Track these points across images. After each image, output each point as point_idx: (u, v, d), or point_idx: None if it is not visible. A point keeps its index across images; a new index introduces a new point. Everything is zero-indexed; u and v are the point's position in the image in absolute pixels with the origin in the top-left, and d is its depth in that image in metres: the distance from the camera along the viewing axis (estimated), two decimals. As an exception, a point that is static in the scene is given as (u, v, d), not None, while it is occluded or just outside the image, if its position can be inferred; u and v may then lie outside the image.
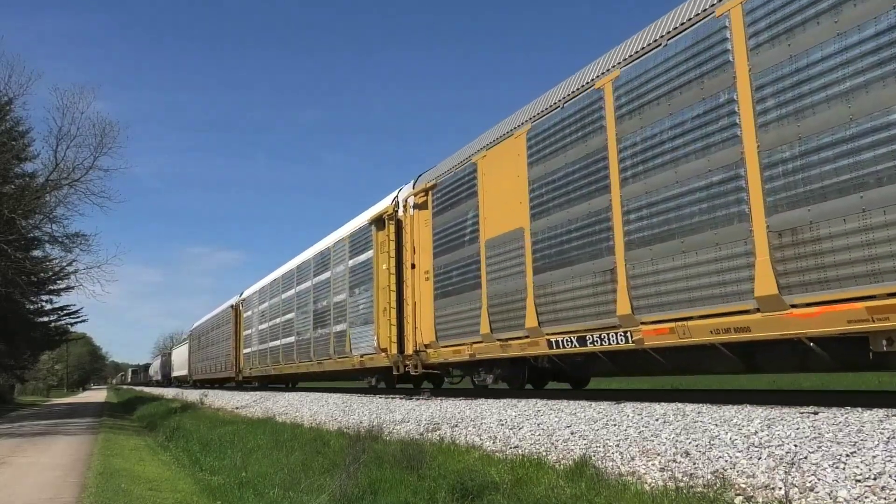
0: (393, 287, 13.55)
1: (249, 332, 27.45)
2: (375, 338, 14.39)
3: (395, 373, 13.88)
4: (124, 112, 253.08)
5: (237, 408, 19.74)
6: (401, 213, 13.91)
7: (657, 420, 6.41)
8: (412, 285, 13.07)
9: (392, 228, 13.94)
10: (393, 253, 13.74)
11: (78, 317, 38.37)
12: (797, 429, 5.14)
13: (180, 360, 54.79)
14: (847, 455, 4.43)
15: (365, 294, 15.42)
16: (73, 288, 27.36)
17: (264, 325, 24.84)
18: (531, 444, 7.05)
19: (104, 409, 31.00)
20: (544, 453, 6.65)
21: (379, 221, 14.63)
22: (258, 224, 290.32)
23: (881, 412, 5.29)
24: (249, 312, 27.68)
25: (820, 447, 4.67)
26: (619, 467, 5.68)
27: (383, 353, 14.02)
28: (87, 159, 22.94)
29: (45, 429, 18.27)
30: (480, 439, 7.88)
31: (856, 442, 4.60)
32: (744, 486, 4.63)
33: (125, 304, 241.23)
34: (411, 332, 12.95)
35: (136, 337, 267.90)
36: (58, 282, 30.53)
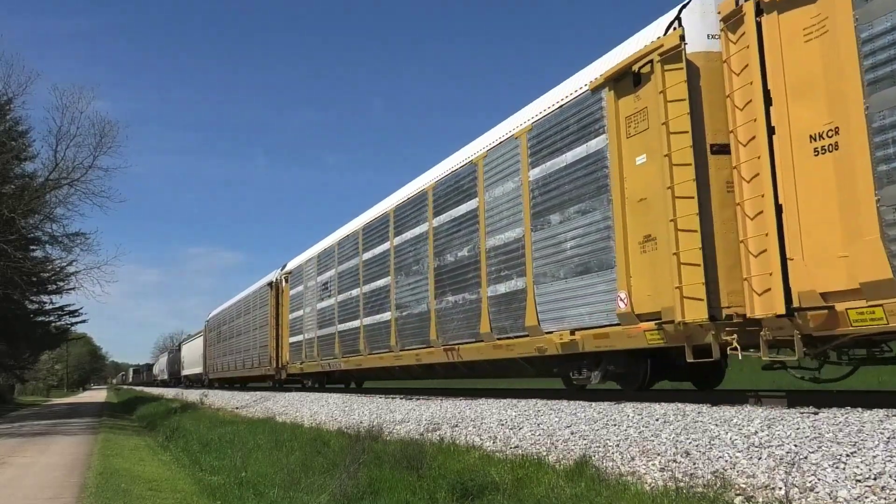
0: (682, 190, 7.25)
1: (300, 314, 20.55)
2: (623, 295, 8.00)
3: (691, 359, 7.32)
4: (124, 112, 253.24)
5: (237, 408, 19.75)
6: (698, 40, 7.51)
7: (657, 420, 6.41)
8: (762, 176, 6.63)
9: (674, 78, 7.41)
10: (683, 125, 7.31)
11: (78, 316, 38.36)
12: (797, 429, 5.15)
13: (193, 356, 46.94)
14: (847, 455, 4.43)
15: (581, 221, 8.81)
16: (73, 288, 27.37)
17: (327, 302, 17.94)
18: (531, 444, 7.05)
19: (104, 409, 31.01)
20: (544, 453, 6.65)
21: (624, 78, 8.18)
22: (258, 224, 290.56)
23: (881, 412, 5.29)
24: (300, 288, 20.76)
25: (820, 447, 4.67)
26: (619, 467, 5.68)
27: (648, 324, 7.73)
28: (86, 159, 23.01)
29: (45, 429, 18.28)
30: (480, 439, 7.88)
31: (856, 442, 4.60)
32: (744, 486, 4.63)
33: (125, 304, 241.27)
34: (763, 266, 6.58)
35: (136, 337, 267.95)
36: (58, 282, 30.55)
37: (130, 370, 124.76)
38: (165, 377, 66.26)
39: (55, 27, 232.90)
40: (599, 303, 8.51)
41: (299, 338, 20.49)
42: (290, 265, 22.45)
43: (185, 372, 51.71)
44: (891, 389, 10.49)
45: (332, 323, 17.60)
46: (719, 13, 7.42)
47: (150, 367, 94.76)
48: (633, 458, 5.72)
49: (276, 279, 23.62)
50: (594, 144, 8.66)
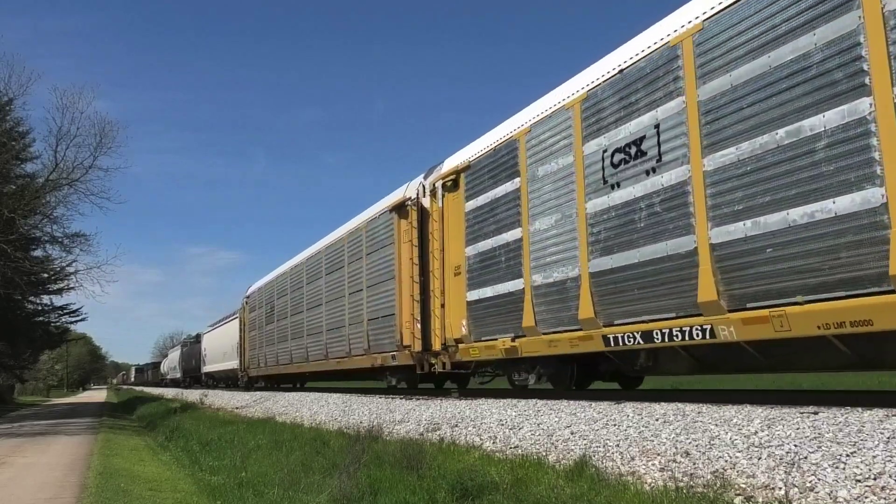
0: None
1: (508, 238, 10.16)
2: None
3: None
4: (124, 112, 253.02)
5: (237, 408, 19.74)
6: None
7: (657, 420, 6.41)
8: None
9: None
10: None
11: (78, 316, 38.35)
12: (797, 429, 5.14)
13: (220, 347, 36.37)
14: (847, 455, 4.43)
15: None
16: (73, 288, 27.37)
17: (645, 184, 7.80)
18: (531, 444, 7.05)
19: (104, 409, 31.02)
20: (544, 453, 6.65)
21: None
22: (258, 224, 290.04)
23: (881, 412, 5.29)
24: (510, 185, 10.19)
25: (820, 447, 4.67)
26: (619, 467, 5.68)
27: None
28: (86, 159, 23.05)
29: (45, 429, 18.28)
30: (480, 439, 7.88)
31: (856, 442, 4.60)
32: (744, 486, 4.63)
33: (125, 304, 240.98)
34: None
35: (136, 337, 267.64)
36: (58, 282, 30.56)
37: (133, 369, 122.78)
38: (177, 375, 55.66)
39: (55, 27, 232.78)
40: None
41: (502, 288, 10.16)
42: (464, 155, 11.55)
43: (207, 368, 41.10)
44: (891, 389, 10.50)
45: (674, 229, 7.45)
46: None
47: (155, 365, 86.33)
48: (633, 458, 5.72)
49: (417, 194, 13.05)
50: None
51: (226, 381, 36.47)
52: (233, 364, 31.76)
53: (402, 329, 13.27)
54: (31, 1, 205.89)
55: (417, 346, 12.60)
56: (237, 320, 30.93)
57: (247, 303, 28.85)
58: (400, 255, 13.49)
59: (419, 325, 12.56)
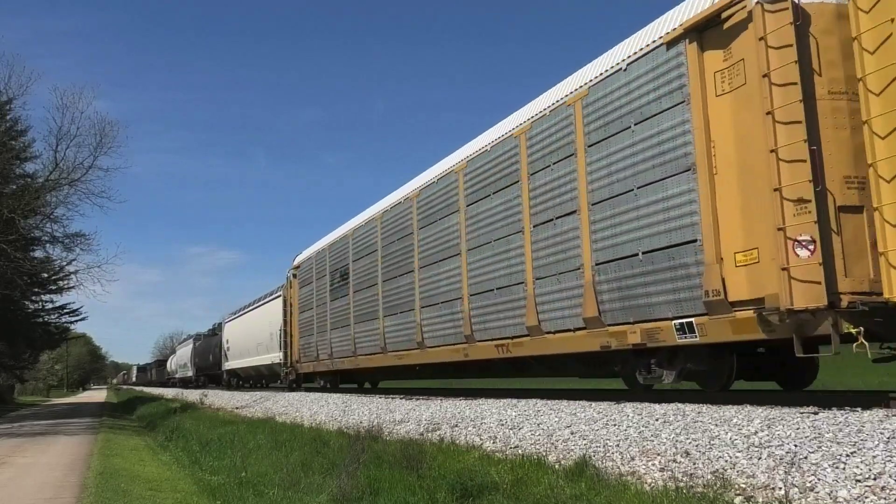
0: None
1: None
2: None
3: None
4: (124, 112, 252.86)
5: (237, 408, 19.74)
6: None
7: (657, 420, 6.41)
8: None
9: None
10: None
11: (77, 315, 38.31)
12: (797, 429, 5.15)
13: (251, 338, 28.77)
14: (847, 455, 4.43)
15: None
16: (73, 287, 27.35)
17: None
18: (531, 444, 7.05)
19: (104, 409, 31.02)
20: (544, 453, 6.65)
21: None
22: (258, 224, 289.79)
23: (881, 412, 5.30)
24: None
25: (820, 447, 4.67)
26: (619, 467, 5.68)
27: None
28: (86, 159, 23.00)
29: (45, 429, 18.28)
30: (480, 439, 7.88)
31: (856, 442, 4.60)
32: (744, 486, 4.63)
33: (125, 304, 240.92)
34: None
35: (136, 337, 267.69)
36: (58, 282, 30.55)
37: (134, 368, 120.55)
38: (188, 374, 47.77)
39: (55, 27, 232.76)
40: None
41: None
42: None
43: (231, 364, 33.59)
44: (891, 389, 10.50)
45: None
46: None
47: (160, 363, 79.18)
48: (633, 458, 5.72)
49: None
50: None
51: (258, 379, 28.76)
52: (271, 358, 24.99)
53: (723, 268, 6.93)
54: (31, 1, 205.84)
55: (802, 299, 6.09)
56: (278, 300, 24.02)
57: (294, 276, 21.88)
58: (706, 123, 7.12)
59: (807, 251, 6.15)
